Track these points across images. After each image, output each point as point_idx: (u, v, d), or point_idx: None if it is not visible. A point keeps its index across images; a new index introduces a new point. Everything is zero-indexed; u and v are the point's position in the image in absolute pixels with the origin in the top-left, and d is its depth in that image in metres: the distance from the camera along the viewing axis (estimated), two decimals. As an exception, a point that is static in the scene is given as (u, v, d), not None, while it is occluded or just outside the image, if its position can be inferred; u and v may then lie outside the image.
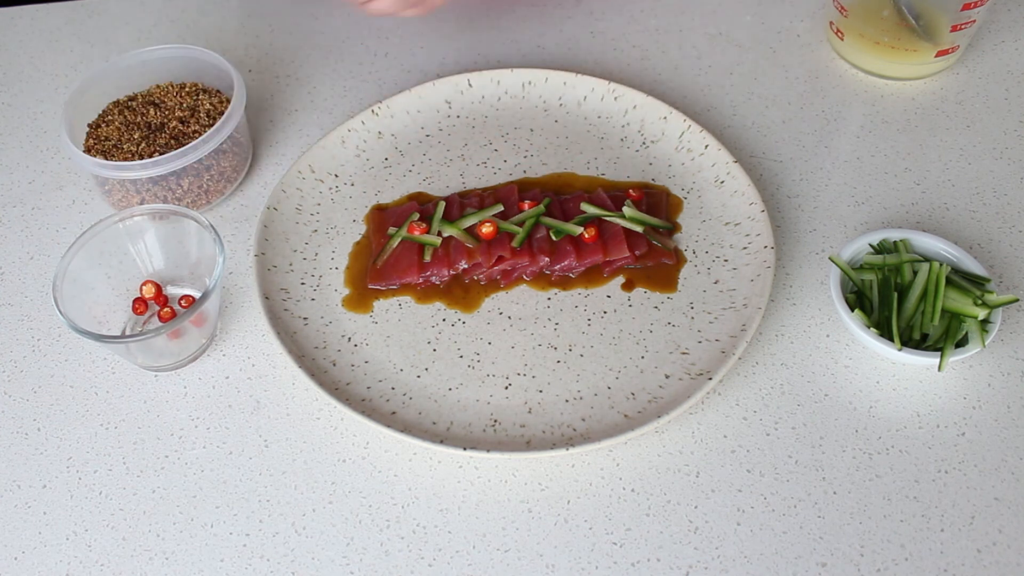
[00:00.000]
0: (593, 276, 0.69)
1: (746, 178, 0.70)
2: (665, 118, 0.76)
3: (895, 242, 0.65)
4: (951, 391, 0.62)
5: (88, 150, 0.73)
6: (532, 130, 0.79)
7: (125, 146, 0.72)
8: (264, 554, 0.57)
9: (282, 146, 0.80)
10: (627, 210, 0.69)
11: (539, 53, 0.86)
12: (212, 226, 0.65)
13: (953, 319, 0.61)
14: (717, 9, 0.89)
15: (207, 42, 0.89)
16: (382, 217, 0.72)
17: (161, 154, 0.72)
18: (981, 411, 0.61)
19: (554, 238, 0.69)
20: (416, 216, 0.70)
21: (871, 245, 0.66)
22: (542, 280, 0.69)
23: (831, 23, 0.82)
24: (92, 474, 0.61)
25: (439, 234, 0.69)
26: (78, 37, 0.91)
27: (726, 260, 0.68)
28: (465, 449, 0.58)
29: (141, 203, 0.72)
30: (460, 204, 0.72)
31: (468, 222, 0.69)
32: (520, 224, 0.69)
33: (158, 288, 0.67)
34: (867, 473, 0.58)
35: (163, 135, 0.73)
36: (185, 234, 0.67)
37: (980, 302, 0.60)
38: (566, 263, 0.68)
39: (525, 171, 0.76)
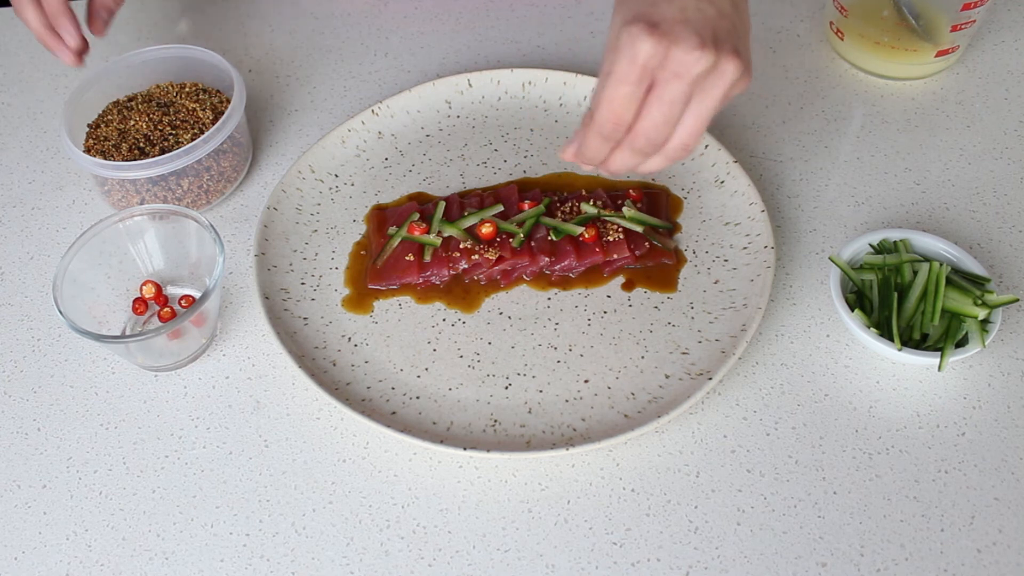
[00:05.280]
0: (593, 276, 0.69)
1: (746, 178, 0.70)
2: (665, 118, 0.76)
3: (895, 242, 0.65)
4: (951, 391, 0.62)
5: (88, 150, 0.73)
6: (532, 130, 0.78)
7: (124, 146, 0.72)
8: (264, 554, 0.57)
9: (282, 146, 0.80)
10: (627, 210, 0.69)
11: (539, 53, 0.86)
12: (212, 226, 0.65)
13: (953, 319, 0.61)
14: (717, 9, 0.89)
15: (207, 42, 0.89)
16: (382, 217, 0.72)
17: (161, 154, 0.72)
18: (981, 411, 0.61)
19: (554, 238, 0.69)
20: (416, 216, 0.70)
21: (871, 245, 0.65)
22: (542, 280, 0.69)
23: (831, 23, 0.82)
24: (92, 474, 0.61)
25: (439, 234, 0.69)
26: (78, 37, 0.91)
27: (726, 260, 0.68)
28: (465, 449, 0.58)
29: (141, 203, 0.72)
30: (460, 204, 0.72)
31: (468, 222, 0.69)
32: (520, 224, 0.69)
33: (158, 288, 0.67)
34: (867, 473, 0.58)
35: (162, 135, 0.73)
36: (185, 234, 0.67)
37: (980, 302, 0.60)
38: (566, 263, 0.68)
39: (525, 171, 0.76)
